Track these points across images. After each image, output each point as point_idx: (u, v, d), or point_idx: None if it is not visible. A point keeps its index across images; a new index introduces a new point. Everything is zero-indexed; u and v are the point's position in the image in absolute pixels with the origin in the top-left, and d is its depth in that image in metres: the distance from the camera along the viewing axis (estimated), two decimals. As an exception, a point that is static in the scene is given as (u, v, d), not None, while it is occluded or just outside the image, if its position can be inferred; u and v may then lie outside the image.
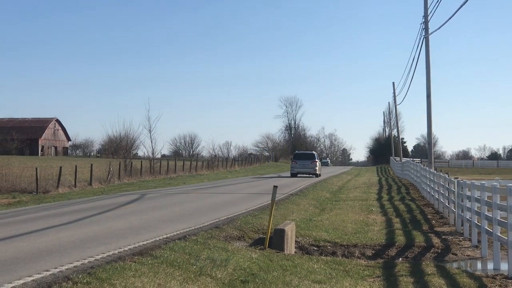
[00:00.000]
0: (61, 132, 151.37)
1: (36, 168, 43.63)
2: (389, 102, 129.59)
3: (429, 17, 43.00)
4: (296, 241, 21.93)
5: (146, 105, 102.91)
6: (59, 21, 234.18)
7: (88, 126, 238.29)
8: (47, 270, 12.16)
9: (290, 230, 20.64)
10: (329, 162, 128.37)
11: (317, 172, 65.41)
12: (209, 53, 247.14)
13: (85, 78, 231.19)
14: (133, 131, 70.98)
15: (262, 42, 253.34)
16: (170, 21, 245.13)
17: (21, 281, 11.09)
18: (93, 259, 13.67)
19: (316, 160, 66.17)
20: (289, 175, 67.32)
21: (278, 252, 18.74)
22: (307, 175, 65.27)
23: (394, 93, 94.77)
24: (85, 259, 13.61)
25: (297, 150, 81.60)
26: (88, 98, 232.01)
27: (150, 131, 71.20)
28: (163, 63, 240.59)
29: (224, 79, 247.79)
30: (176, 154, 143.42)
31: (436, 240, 22.30)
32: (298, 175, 65.86)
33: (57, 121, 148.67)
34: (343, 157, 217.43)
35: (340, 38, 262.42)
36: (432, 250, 20.86)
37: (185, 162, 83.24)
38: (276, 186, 20.55)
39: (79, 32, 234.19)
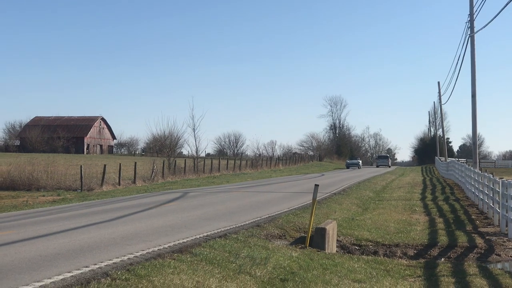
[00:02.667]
0: (106, 130, 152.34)
1: (81, 166, 44.00)
2: (434, 102, 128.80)
3: (474, 16, 42.57)
4: (337, 240, 21.82)
5: (190, 104, 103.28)
6: (105, 21, 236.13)
7: (133, 124, 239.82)
8: (86, 266, 12.24)
9: (331, 229, 20.54)
10: (360, 163, 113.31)
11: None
12: (254, 52, 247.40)
13: (130, 76, 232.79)
14: (177, 130, 71.22)
15: (308, 41, 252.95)
16: (215, 22, 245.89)
17: (61, 277, 11.18)
18: (133, 256, 13.74)
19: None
20: (333, 175, 67.73)
21: (318, 251, 18.66)
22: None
23: (439, 92, 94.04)
24: (124, 256, 13.68)
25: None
26: (133, 97, 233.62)
27: (194, 130, 71.47)
28: (208, 62, 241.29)
29: (269, 78, 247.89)
30: (220, 153, 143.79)
31: (479, 241, 22.01)
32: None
33: (103, 119, 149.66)
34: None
35: (385, 36, 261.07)
36: (475, 251, 20.57)
37: (229, 161, 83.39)
38: (318, 185, 20.45)
39: (125, 33, 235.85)
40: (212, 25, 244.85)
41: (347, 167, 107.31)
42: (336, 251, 20.66)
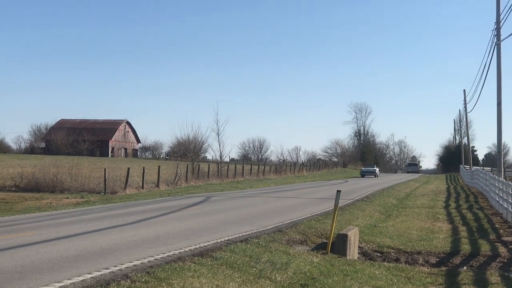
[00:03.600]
0: (131, 134, 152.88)
1: (105, 169, 44.16)
2: (459, 110, 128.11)
3: (501, 24, 42.37)
4: (359, 247, 21.75)
5: (215, 108, 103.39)
6: (132, 24, 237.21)
7: (158, 128, 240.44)
8: (106, 268, 12.26)
9: (353, 235, 20.47)
10: (377, 171, 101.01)
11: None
12: (279, 58, 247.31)
13: (155, 80, 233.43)
14: (201, 134, 71.34)
15: (333, 46, 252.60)
16: (241, 27, 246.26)
17: (81, 278, 11.21)
18: (153, 258, 13.74)
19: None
20: (357, 182, 67.66)
21: (340, 257, 18.59)
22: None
23: (464, 100, 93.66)
24: (145, 258, 13.68)
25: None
26: (159, 101, 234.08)
27: (218, 134, 71.55)
28: (233, 66, 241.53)
29: (294, 84, 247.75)
30: (245, 158, 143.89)
31: (502, 250, 21.81)
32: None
33: (128, 123, 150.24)
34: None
35: (410, 44, 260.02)
36: (498, 260, 20.38)
37: (253, 166, 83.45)
38: (340, 191, 20.41)
39: (151, 36, 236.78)
40: (238, 29, 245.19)
41: (362, 176, 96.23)
42: (358, 258, 20.58)
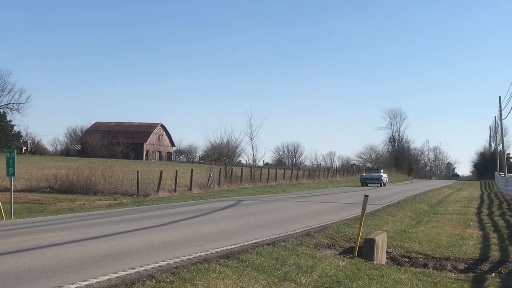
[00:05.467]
0: (165, 137, 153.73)
1: (137, 172, 44.50)
2: (495, 116, 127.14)
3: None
4: (387, 252, 21.74)
5: (248, 112, 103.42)
6: (165, 29, 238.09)
7: (192, 132, 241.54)
8: (132, 268, 12.43)
9: (381, 240, 20.49)
10: (384, 178, 78.72)
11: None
12: (315, 63, 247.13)
13: (190, 84, 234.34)
14: (234, 138, 71.57)
15: (368, 53, 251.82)
16: (275, 31, 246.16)
17: (106, 277, 11.38)
18: (179, 259, 13.89)
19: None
20: (390, 187, 67.55)
21: (366, 262, 18.61)
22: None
23: (500, 106, 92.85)
24: (171, 259, 13.84)
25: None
26: (193, 104, 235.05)
27: (251, 139, 71.76)
28: (267, 71, 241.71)
29: (329, 89, 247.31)
30: (279, 163, 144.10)
31: (532, 257, 21.72)
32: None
33: (162, 126, 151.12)
34: (447, 171, 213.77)
35: (446, 48, 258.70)
36: (527, 267, 20.31)
37: (286, 170, 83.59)
38: (367, 196, 20.40)
39: (186, 41, 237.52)
40: (272, 32, 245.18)
41: (362, 184, 76.60)
42: (386, 263, 20.57)
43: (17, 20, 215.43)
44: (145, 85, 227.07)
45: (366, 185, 75.04)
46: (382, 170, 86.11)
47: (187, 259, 14.08)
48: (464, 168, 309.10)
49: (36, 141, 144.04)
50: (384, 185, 77.10)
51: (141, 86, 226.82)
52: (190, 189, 50.04)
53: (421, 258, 21.42)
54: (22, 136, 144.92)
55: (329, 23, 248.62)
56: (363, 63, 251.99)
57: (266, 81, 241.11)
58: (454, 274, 18.82)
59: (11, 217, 25.85)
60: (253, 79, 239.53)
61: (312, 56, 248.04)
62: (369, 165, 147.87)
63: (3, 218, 25.41)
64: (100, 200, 38.60)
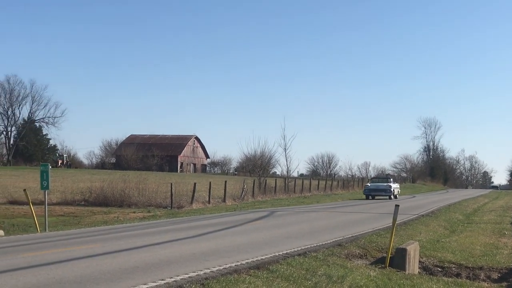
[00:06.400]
0: (200, 149, 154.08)
1: (171, 184, 44.65)
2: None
3: None
4: (420, 261, 21.66)
5: (281, 124, 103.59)
6: (202, 43, 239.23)
7: (226, 144, 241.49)
8: (162, 279, 12.52)
9: (413, 250, 20.42)
10: (393, 189, 63.74)
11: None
12: (349, 73, 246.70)
13: (224, 96, 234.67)
14: (268, 150, 71.57)
15: (402, 63, 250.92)
16: (309, 43, 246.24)
17: (136, 289, 11.50)
18: (209, 271, 13.96)
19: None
20: (424, 197, 67.04)
21: (398, 271, 18.57)
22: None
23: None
24: (201, 270, 13.91)
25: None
26: (227, 116, 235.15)
27: (285, 150, 71.60)
28: (301, 82, 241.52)
29: (364, 99, 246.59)
30: (314, 174, 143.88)
31: None
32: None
33: (197, 138, 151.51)
34: (483, 180, 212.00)
35: (480, 55, 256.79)
36: (562, 277, 20.13)
37: (320, 181, 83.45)
38: (398, 206, 20.36)
39: (219, 54, 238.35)
40: (304, 42, 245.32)
41: (367, 197, 64.04)
42: (418, 272, 20.51)
43: (52, 34, 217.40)
44: (179, 97, 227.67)
45: (373, 198, 63.24)
46: (391, 179, 70.36)
47: (217, 270, 14.15)
48: (500, 177, 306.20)
49: (71, 154, 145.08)
50: (395, 197, 63.54)
51: (175, 98, 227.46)
52: (224, 200, 50.12)
53: (454, 267, 21.31)
54: (58, 149, 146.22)
55: (363, 34, 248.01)
56: (398, 72, 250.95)
57: (300, 91, 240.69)
58: (487, 283, 18.77)
59: (46, 230, 26.10)
60: (286, 90, 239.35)
61: (346, 66, 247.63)
62: (404, 175, 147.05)
63: (37, 231, 25.67)
64: (134, 212, 38.79)
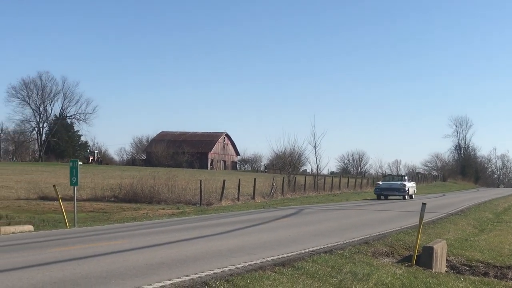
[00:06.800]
0: (230, 146, 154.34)
1: (200, 181, 44.78)
2: None
3: None
4: (447, 260, 21.58)
5: (311, 121, 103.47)
6: (231, 39, 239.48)
7: (257, 141, 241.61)
8: (187, 275, 12.60)
9: (440, 248, 20.35)
10: (408, 187, 57.84)
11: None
12: (379, 70, 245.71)
13: (255, 93, 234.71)
14: (297, 147, 71.55)
15: (434, 60, 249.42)
16: (339, 40, 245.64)
17: (160, 284, 11.58)
18: (234, 267, 14.03)
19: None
20: (454, 196, 66.58)
21: (425, 270, 18.51)
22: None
23: None
24: (226, 267, 13.98)
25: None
26: (257, 113, 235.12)
27: (315, 147, 71.57)
28: (329, 80, 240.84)
29: (394, 97, 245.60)
30: (344, 171, 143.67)
31: None
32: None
33: (227, 135, 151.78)
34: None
35: (511, 55, 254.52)
36: None
37: (350, 179, 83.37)
38: (425, 204, 20.26)
39: (251, 51, 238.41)
40: (335, 39, 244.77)
41: (378, 197, 58.14)
42: (446, 271, 20.44)
43: (84, 31, 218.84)
44: (210, 93, 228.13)
45: (386, 198, 57.65)
46: (406, 177, 64.28)
47: (242, 266, 14.21)
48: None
49: (102, 151, 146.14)
50: (410, 197, 58.15)
51: (205, 94, 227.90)
52: (253, 198, 50.19)
53: (482, 266, 21.22)
54: (89, 146, 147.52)
55: (394, 29, 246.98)
56: (429, 70, 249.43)
57: (330, 89, 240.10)
58: (515, 282, 18.65)
59: (75, 226, 26.32)
60: (316, 87, 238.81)
61: (378, 62, 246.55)
62: (434, 173, 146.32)
63: (67, 226, 25.88)
64: (163, 209, 38.96)
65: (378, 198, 57.37)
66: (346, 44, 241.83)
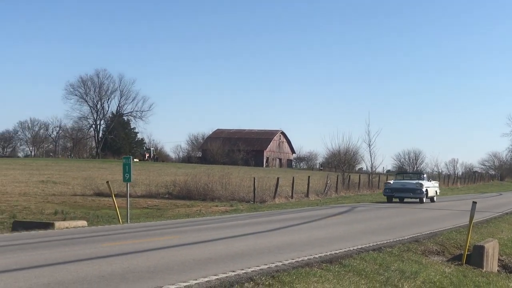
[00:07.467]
0: (286, 144, 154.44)
1: (254, 178, 44.98)
2: None
3: None
4: (499, 260, 21.45)
5: (366, 119, 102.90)
6: (287, 39, 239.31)
7: (312, 139, 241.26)
8: (233, 271, 12.72)
9: (491, 247, 20.22)
10: (426, 186, 45.29)
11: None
12: (437, 67, 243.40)
13: (310, 91, 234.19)
14: (352, 145, 71.38)
15: (495, 59, 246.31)
16: (394, 38, 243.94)
17: (206, 279, 11.71)
18: (281, 263, 14.09)
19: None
20: (511, 195, 65.68)
21: (475, 269, 18.43)
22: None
23: None
24: (273, 263, 14.05)
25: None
26: (312, 112, 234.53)
27: (369, 146, 71.26)
28: (387, 77, 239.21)
29: (451, 96, 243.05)
30: (400, 170, 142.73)
31: None
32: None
33: (283, 133, 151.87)
34: None
35: None
36: None
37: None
38: (475, 202, 20.13)
39: (306, 49, 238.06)
40: (389, 38, 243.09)
41: (389, 199, 46.51)
42: (498, 270, 20.31)
43: (140, 30, 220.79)
44: (265, 91, 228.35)
45: (401, 201, 47.03)
46: (425, 175, 52.40)
47: (289, 263, 14.27)
48: None
49: (158, 148, 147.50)
50: (431, 200, 47.80)
51: (261, 92, 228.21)
52: (307, 195, 50.26)
53: (535, 266, 21.03)
54: (145, 143, 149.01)
55: (452, 25, 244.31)
56: (488, 68, 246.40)
57: (386, 87, 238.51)
58: None
59: (127, 222, 26.65)
60: (371, 85, 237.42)
61: (433, 60, 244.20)
62: (492, 172, 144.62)
63: (119, 222, 26.22)
64: (216, 206, 39.21)
65: (389, 201, 46.33)
66: (400, 41, 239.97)
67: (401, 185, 46.31)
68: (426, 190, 45.62)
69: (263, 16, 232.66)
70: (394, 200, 46.46)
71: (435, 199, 48.24)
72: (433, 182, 51.17)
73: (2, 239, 18.71)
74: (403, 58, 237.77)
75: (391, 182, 48.74)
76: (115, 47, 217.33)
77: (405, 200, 46.72)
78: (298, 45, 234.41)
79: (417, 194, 45.26)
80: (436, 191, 49.57)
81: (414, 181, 46.57)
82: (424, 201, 45.35)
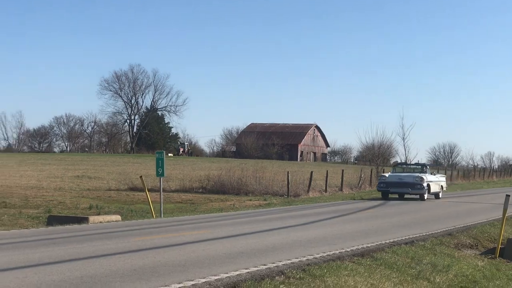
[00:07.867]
0: (320, 138, 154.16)
1: (288, 173, 44.98)
2: None
3: None
4: (534, 254, 21.27)
5: (400, 113, 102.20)
6: (321, 31, 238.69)
7: (347, 132, 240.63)
8: (264, 264, 12.78)
9: (525, 240, 20.08)
10: (427, 184, 39.03)
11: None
12: (469, 60, 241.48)
13: (344, 84, 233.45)
14: (386, 139, 71.07)
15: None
16: (427, 32, 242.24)
17: (237, 272, 11.77)
18: (312, 257, 14.12)
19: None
20: None
21: (508, 262, 18.34)
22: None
23: None
24: (304, 256, 14.09)
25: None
26: (347, 105, 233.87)
27: (403, 139, 70.84)
28: (420, 70, 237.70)
29: (486, 88, 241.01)
30: (435, 163, 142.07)
31: None
32: None
33: (317, 127, 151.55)
34: None
35: None
36: None
37: (439, 171, 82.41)
38: (509, 195, 20.02)
39: (338, 43, 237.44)
40: (422, 31, 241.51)
41: (384, 195, 41.03)
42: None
43: (174, 25, 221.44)
44: (299, 85, 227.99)
45: (401, 197, 41.46)
46: (428, 167, 45.05)
47: (320, 256, 14.30)
48: None
49: (193, 142, 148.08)
50: (436, 196, 42.47)
51: (295, 86, 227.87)
52: (341, 189, 50.16)
53: None
54: (179, 138, 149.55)
55: (490, 17, 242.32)
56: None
57: (420, 79, 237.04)
58: None
59: (161, 216, 26.79)
60: (405, 78, 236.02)
61: (467, 52, 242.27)
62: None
63: (153, 216, 26.37)
64: (250, 200, 39.29)
65: (384, 197, 40.96)
66: (436, 35, 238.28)
67: (398, 179, 40.73)
68: (428, 185, 39.99)
69: (296, 9, 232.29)
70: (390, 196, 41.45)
71: (440, 195, 43.03)
72: (438, 176, 46.26)
73: (37, 234, 18.93)
74: (436, 50, 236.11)
75: (387, 175, 42.28)
76: (150, 42, 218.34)
77: (402, 196, 41.38)
78: (329, 38, 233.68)
79: (417, 190, 39.62)
80: (442, 186, 44.46)
81: (414, 175, 40.65)
82: (426, 197, 39.86)
